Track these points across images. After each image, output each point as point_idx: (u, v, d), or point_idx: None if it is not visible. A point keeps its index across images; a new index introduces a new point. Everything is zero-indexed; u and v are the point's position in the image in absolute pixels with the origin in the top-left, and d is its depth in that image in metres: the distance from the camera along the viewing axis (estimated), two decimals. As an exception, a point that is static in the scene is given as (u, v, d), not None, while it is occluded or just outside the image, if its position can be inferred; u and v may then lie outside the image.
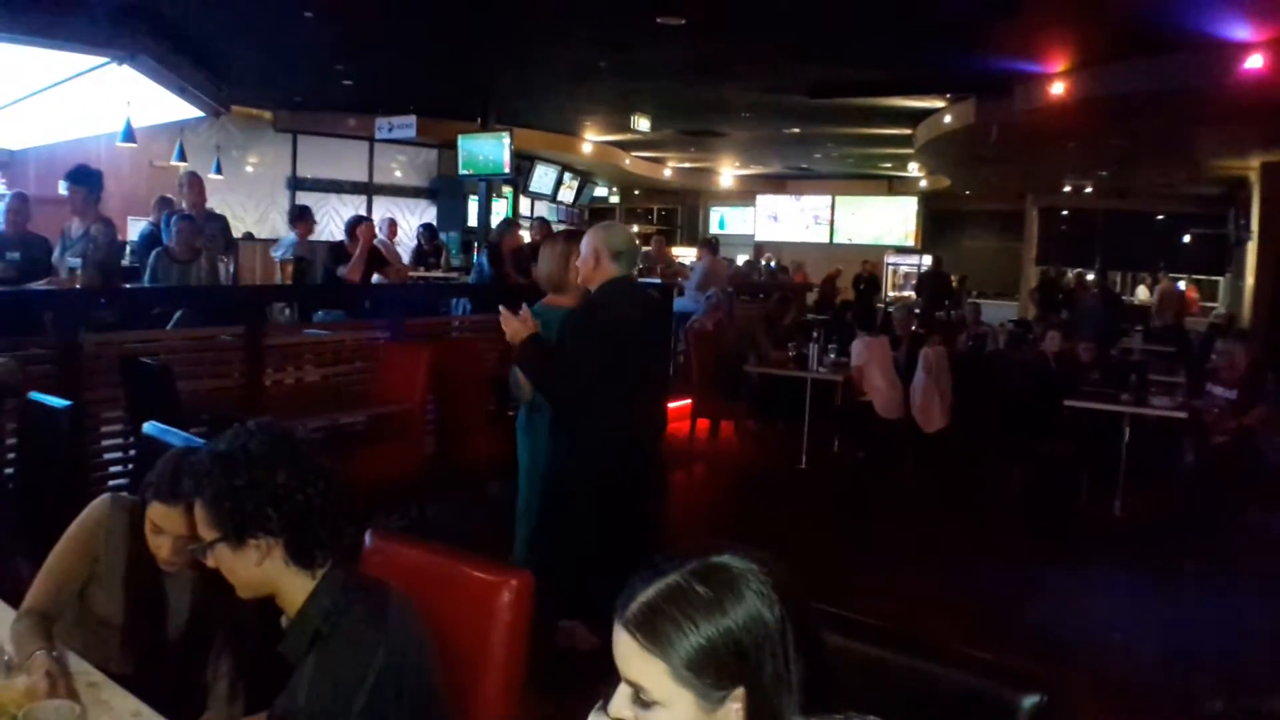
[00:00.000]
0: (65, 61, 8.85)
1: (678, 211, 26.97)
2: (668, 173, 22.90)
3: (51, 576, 2.27)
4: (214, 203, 9.01)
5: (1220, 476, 6.22)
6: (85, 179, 6.41)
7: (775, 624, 1.25)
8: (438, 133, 14.85)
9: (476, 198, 14.57)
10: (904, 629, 1.67)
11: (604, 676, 1.35)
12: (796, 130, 16.06)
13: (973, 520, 7.05)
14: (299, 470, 1.85)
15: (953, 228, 23.50)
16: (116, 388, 5.19)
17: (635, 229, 24.17)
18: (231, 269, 7.67)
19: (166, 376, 4.84)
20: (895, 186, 23.11)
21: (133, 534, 2.28)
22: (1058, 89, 10.03)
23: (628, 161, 20.29)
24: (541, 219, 11.46)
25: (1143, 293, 19.67)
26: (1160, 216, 20.09)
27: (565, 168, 19.72)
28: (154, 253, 6.72)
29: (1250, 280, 14.26)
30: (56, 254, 6.39)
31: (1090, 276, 18.82)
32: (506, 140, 12.67)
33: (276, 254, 9.01)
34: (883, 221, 23.48)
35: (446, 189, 16.82)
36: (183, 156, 12.45)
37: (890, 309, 12.46)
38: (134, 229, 10.27)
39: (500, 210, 15.22)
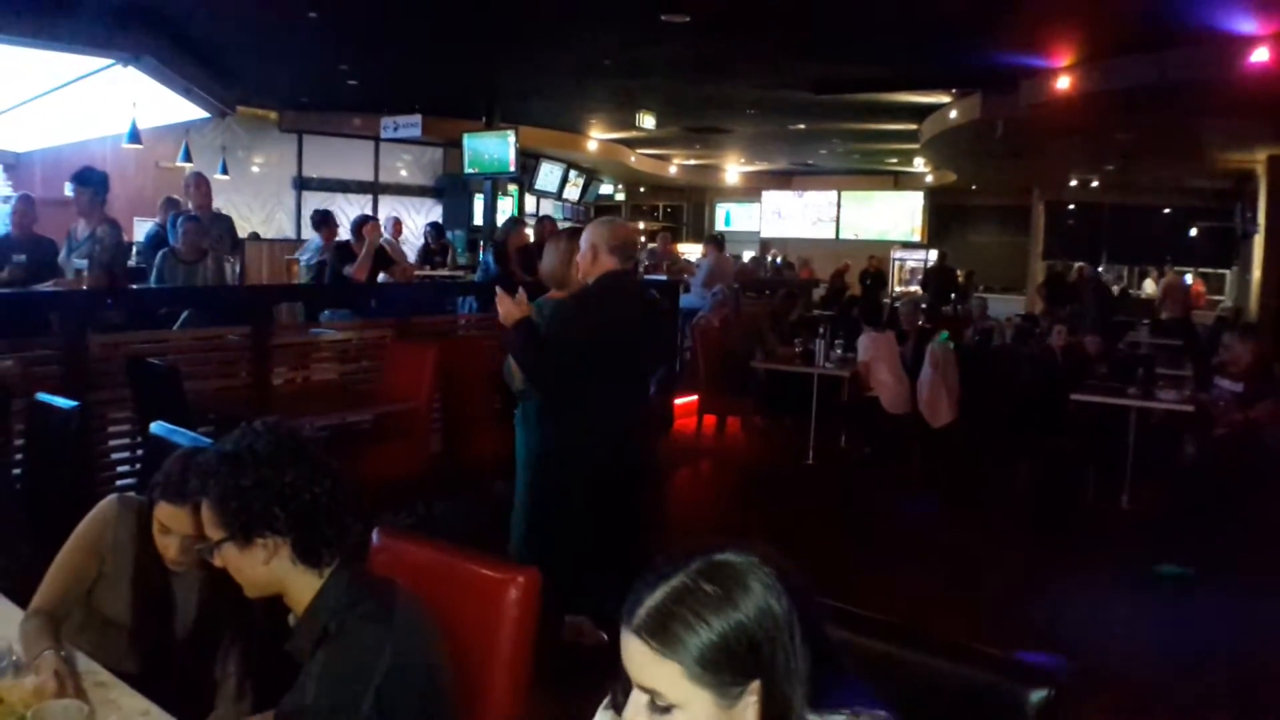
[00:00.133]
0: (70, 63, 8.87)
1: (683, 208, 26.97)
2: (673, 170, 22.90)
3: (59, 577, 2.28)
4: (220, 203, 9.04)
5: (1223, 470, 6.19)
6: (91, 180, 6.41)
7: (784, 615, 1.26)
8: (443, 131, 14.85)
9: (482, 196, 14.58)
10: (910, 624, 1.67)
11: (611, 672, 1.35)
12: (802, 126, 16.04)
13: (979, 515, 7.04)
14: (305, 469, 1.86)
15: (959, 223, 23.46)
16: (123, 388, 5.19)
17: (641, 226, 24.19)
18: (237, 269, 7.68)
19: (173, 377, 4.84)
20: (901, 182, 23.08)
21: (140, 534, 2.29)
22: (1063, 83, 10.01)
23: (633, 159, 20.28)
24: (545, 217, 11.45)
25: (1149, 286, 19.64)
26: (1167, 210, 20.03)
27: (570, 165, 19.73)
28: (160, 253, 6.73)
29: (1257, 273, 14.21)
30: (63, 255, 6.40)
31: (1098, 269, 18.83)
32: (511, 138, 12.69)
33: (302, 258, 9.03)
34: (889, 217, 23.46)
35: (452, 188, 16.82)
36: (188, 157, 12.49)
37: (897, 304, 12.45)
38: (140, 230, 10.30)
39: (506, 208, 15.25)
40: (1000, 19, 8.65)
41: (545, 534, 4.11)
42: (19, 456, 4.23)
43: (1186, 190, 18.83)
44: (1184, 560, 5.61)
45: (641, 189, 25.76)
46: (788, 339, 9.24)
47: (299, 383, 6.45)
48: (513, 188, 16.68)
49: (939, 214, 23.37)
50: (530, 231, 9.21)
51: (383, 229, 9.38)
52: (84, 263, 6.19)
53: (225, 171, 13.69)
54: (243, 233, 10.90)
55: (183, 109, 11.23)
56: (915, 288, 19.64)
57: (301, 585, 1.87)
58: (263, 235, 14.48)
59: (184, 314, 6.30)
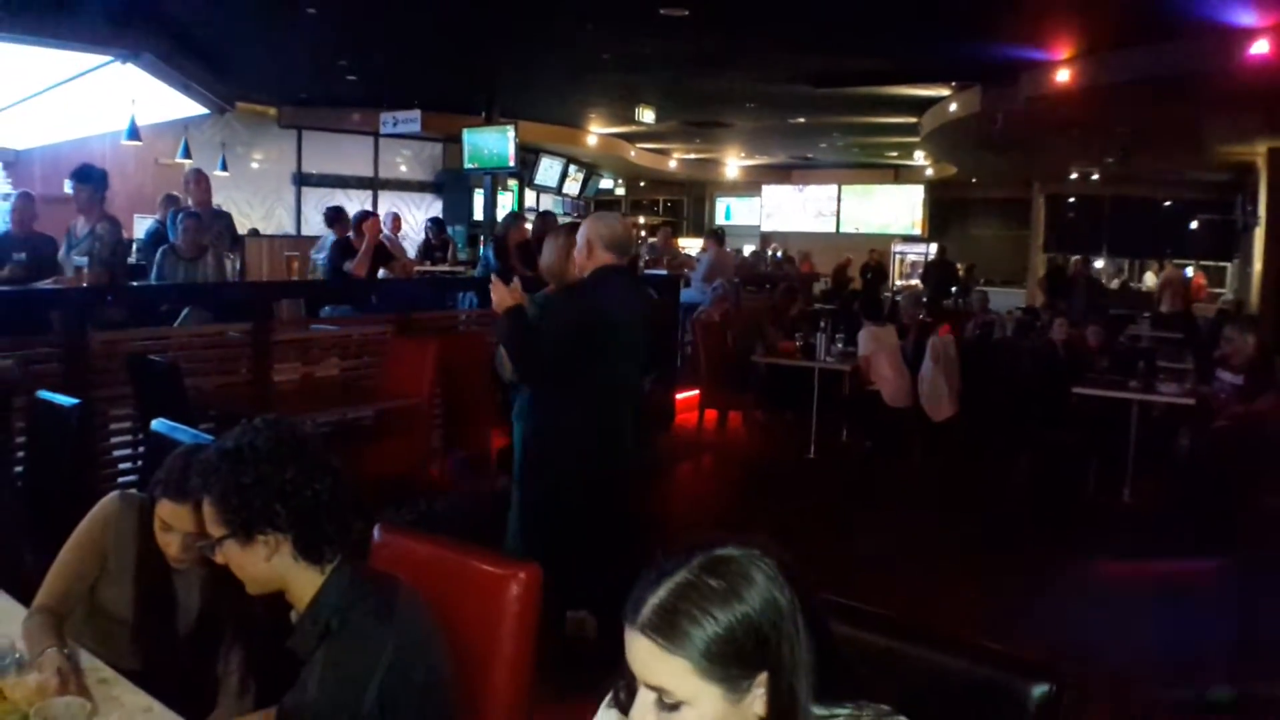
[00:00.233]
0: (69, 60, 8.86)
1: (683, 203, 26.95)
2: (673, 164, 22.87)
3: (62, 574, 2.29)
4: (220, 199, 9.05)
5: (1221, 462, 6.19)
6: (90, 177, 6.41)
7: (788, 606, 1.27)
8: (442, 127, 14.82)
9: (482, 191, 14.57)
10: (912, 619, 1.67)
11: (613, 667, 1.35)
12: (801, 120, 16.03)
13: (981, 509, 7.05)
14: (306, 466, 1.86)
15: (959, 216, 23.45)
16: (124, 385, 5.19)
17: (641, 220, 24.18)
18: (238, 265, 7.68)
19: (174, 374, 4.85)
20: (901, 175, 23.05)
21: (142, 531, 2.29)
22: (1063, 76, 10.00)
23: (633, 153, 20.26)
24: (545, 212, 11.46)
25: (1150, 279, 19.63)
26: (1167, 203, 20.03)
27: (570, 160, 19.70)
28: (160, 250, 6.72)
29: (1258, 266, 14.21)
30: (62, 252, 6.40)
31: (1099, 263, 18.86)
32: (511, 133, 12.67)
33: (318, 255, 9.02)
34: (889, 210, 23.44)
35: (452, 183, 16.82)
36: (188, 154, 12.47)
37: (897, 298, 12.44)
38: (140, 227, 10.29)
39: (506, 204, 15.23)
40: (1000, 12, 8.65)
41: (536, 528, 4.10)
42: (20, 454, 4.24)
43: (1187, 183, 18.82)
44: (1187, 552, 5.61)
45: (641, 183, 25.73)
46: (788, 333, 9.23)
47: (300, 379, 6.44)
48: (513, 183, 16.67)
49: (939, 207, 23.35)
50: (530, 226, 9.19)
51: (382, 224, 9.37)
52: (84, 260, 6.19)
53: (225, 168, 13.68)
54: (242, 229, 10.91)
55: (182, 105, 11.23)
56: (916, 281, 19.63)
57: (303, 582, 1.87)
58: (262, 231, 14.45)
59: (184, 311, 6.30)
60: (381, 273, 7.90)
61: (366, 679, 1.76)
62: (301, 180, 16.09)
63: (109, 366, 5.25)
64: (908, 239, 22.66)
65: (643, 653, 1.26)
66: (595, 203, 22.55)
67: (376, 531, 2.26)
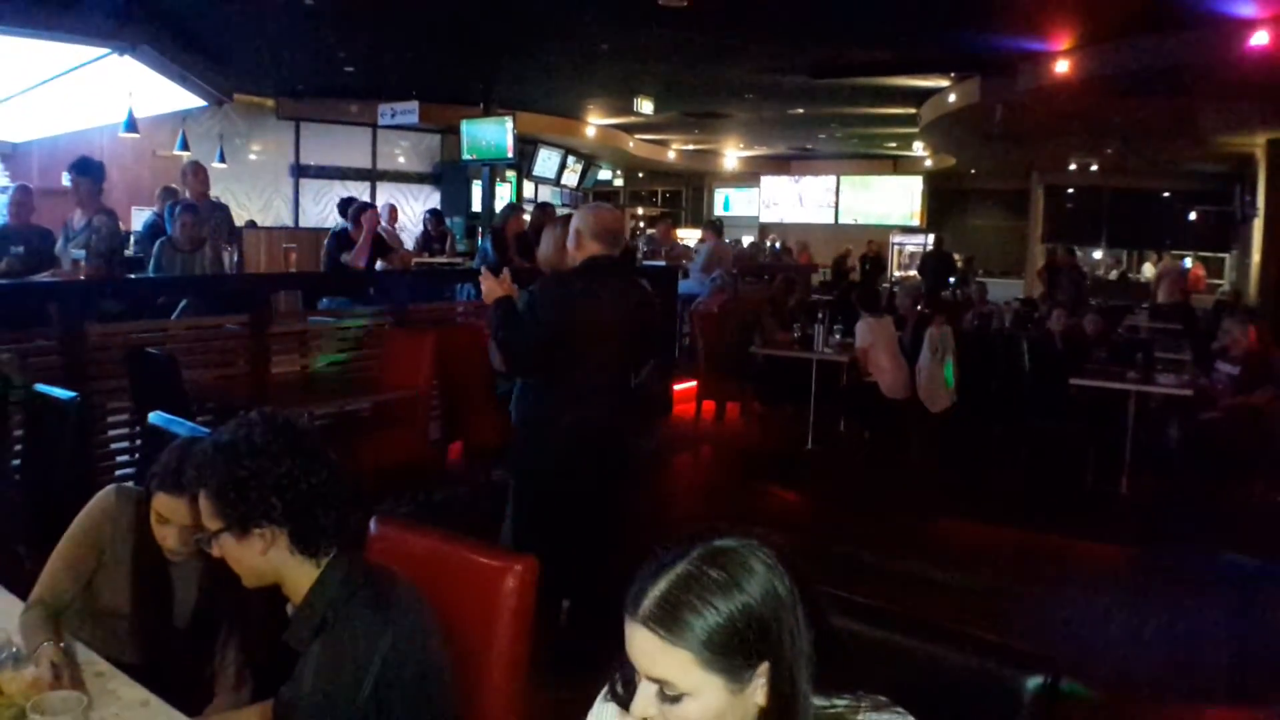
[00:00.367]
0: (66, 53, 8.85)
1: (682, 194, 26.94)
2: (672, 155, 22.86)
3: (59, 568, 2.29)
4: (218, 191, 9.02)
5: (1213, 453, 6.20)
6: (88, 170, 6.40)
7: (788, 596, 1.27)
8: (440, 118, 14.81)
9: (480, 183, 14.55)
10: (908, 611, 1.68)
11: (610, 659, 1.36)
12: (800, 111, 16.02)
13: (978, 500, 7.05)
14: (302, 459, 1.86)
15: (958, 207, 23.44)
16: (122, 378, 5.19)
17: (640, 212, 24.17)
18: (235, 258, 7.67)
19: (172, 366, 4.84)
20: (900, 166, 23.04)
21: (139, 525, 2.29)
22: (1062, 67, 9.99)
23: (631, 144, 20.25)
24: (543, 203, 11.42)
25: (1149, 270, 19.64)
26: (1166, 194, 20.01)
27: (569, 151, 19.69)
28: (158, 243, 6.72)
29: (1256, 257, 14.22)
30: (60, 245, 6.39)
31: (1098, 253, 18.83)
32: (509, 124, 12.64)
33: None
34: (888, 201, 23.44)
35: (450, 174, 16.81)
36: (185, 146, 12.46)
37: (895, 289, 12.44)
38: (138, 219, 10.29)
39: (504, 195, 15.20)
40: (999, 2, 8.63)
41: (528, 517, 4.10)
42: (18, 448, 4.23)
43: (1186, 174, 18.82)
44: (1185, 543, 5.61)
45: (640, 174, 25.72)
46: (786, 324, 9.23)
47: (298, 371, 6.44)
48: (511, 174, 16.65)
49: (938, 198, 23.35)
50: (528, 218, 9.18)
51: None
52: (81, 253, 6.18)
53: (223, 160, 13.67)
54: (240, 221, 10.89)
55: (179, 97, 11.20)
56: (914, 272, 19.63)
57: (299, 575, 1.88)
58: (260, 223, 14.44)
59: (182, 303, 6.29)
60: (380, 264, 7.89)
61: (362, 671, 1.76)
62: (299, 172, 16.08)
63: (107, 359, 5.25)
64: (906, 230, 22.67)
65: (644, 645, 1.26)
66: (593, 194, 22.53)
67: (373, 523, 2.26)
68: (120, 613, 2.31)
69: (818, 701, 1.30)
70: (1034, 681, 1.48)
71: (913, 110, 14.95)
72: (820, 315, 8.68)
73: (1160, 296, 13.71)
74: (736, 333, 9.09)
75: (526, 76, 13.37)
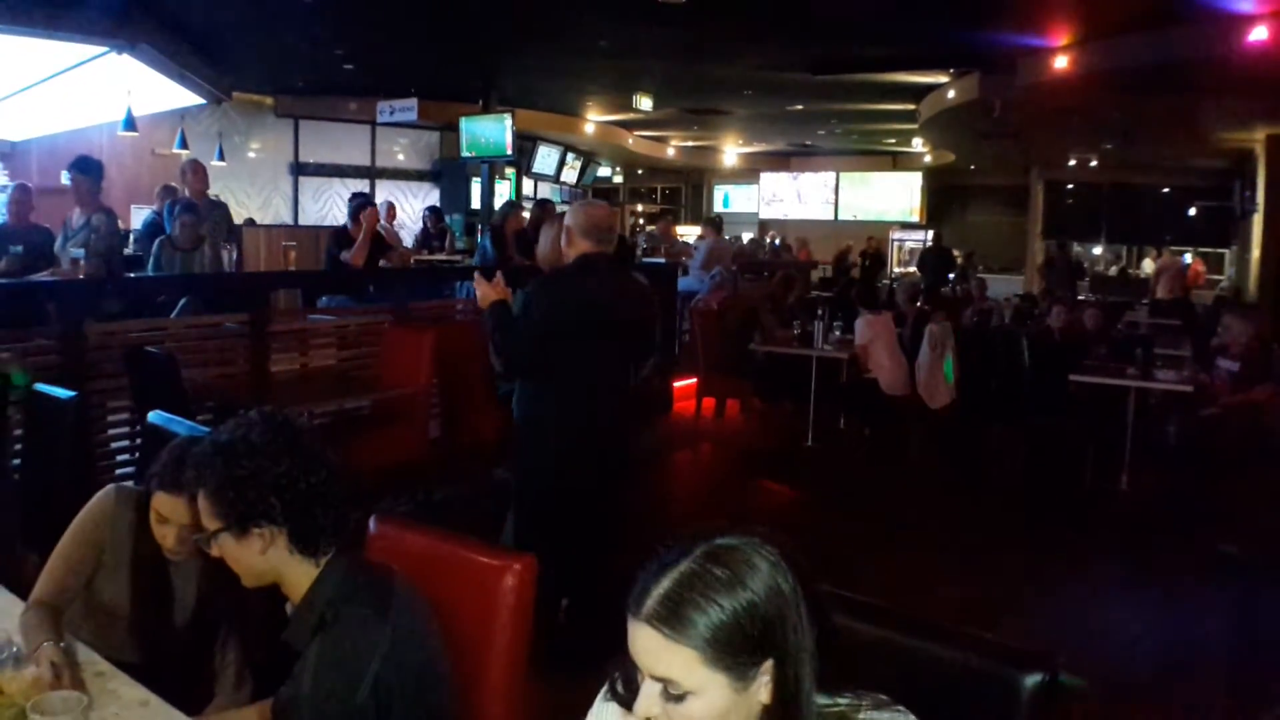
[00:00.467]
0: (65, 51, 8.84)
1: (682, 190, 26.92)
2: (671, 152, 22.84)
3: (59, 568, 2.29)
4: (217, 189, 9.03)
5: (1215, 449, 6.19)
6: (87, 169, 6.40)
7: (791, 593, 1.27)
8: (439, 115, 14.80)
9: (479, 180, 14.55)
10: (907, 609, 1.68)
11: (610, 657, 1.35)
12: (800, 107, 16.00)
13: (978, 496, 7.05)
14: (301, 458, 1.86)
15: (958, 203, 23.44)
16: (121, 377, 5.19)
17: (640, 208, 24.16)
18: (235, 256, 7.67)
19: (171, 365, 4.84)
20: (900, 162, 23.02)
21: (139, 524, 2.29)
22: (1061, 63, 9.99)
23: (631, 141, 20.24)
24: (543, 200, 11.43)
25: (1148, 265, 19.64)
26: (1166, 190, 20.02)
27: (568, 148, 19.68)
28: (157, 241, 6.72)
29: (1256, 253, 14.22)
30: (59, 244, 6.39)
31: (1097, 249, 18.79)
32: (508, 122, 12.64)
33: None
34: (887, 197, 23.42)
35: (449, 171, 16.80)
36: (184, 144, 12.44)
37: (895, 285, 12.44)
38: (137, 218, 10.28)
39: (504, 192, 15.20)
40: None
41: (528, 515, 4.10)
42: (17, 447, 4.23)
43: (1186, 169, 18.82)
44: (1184, 540, 5.61)
45: (639, 171, 25.70)
46: (786, 321, 9.23)
47: (297, 369, 6.44)
48: (510, 171, 16.63)
49: (938, 194, 23.34)
50: (528, 215, 9.18)
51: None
52: (80, 252, 6.18)
53: (222, 158, 13.67)
54: (239, 219, 10.90)
55: (178, 95, 11.20)
56: (914, 269, 19.63)
57: (298, 574, 1.88)
58: (259, 221, 14.44)
59: (181, 302, 6.29)
60: (380, 262, 7.88)
61: (361, 670, 1.76)
62: (298, 170, 16.07)
63: (106, 358, 5.24)
64: (906, 226, 22.64)
65: (648, 643, 1.26)
66: (593, 190, 22.53)
67: (372, 522, 2.26)
68: (120, 612, 2.32)
69: (820, 699, 1.30)
70: (1033, 679, 1.48)
71: (912, 106, 14.94)
72: (820, 312, 8.67)
73: (1160, 292, 13.74)
74: (736, 330, 9.09)
75: (525, 73, 13.37)
